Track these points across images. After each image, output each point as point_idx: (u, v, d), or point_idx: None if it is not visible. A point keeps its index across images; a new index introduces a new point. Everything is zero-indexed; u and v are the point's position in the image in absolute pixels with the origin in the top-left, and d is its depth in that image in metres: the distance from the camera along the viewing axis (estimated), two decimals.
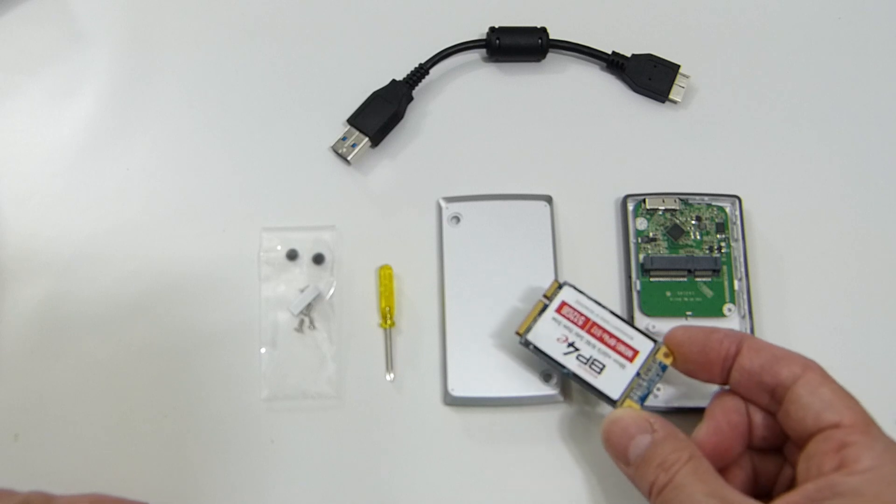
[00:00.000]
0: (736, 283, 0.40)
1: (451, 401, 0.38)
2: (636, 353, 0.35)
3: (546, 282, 0.39)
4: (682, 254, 0.40)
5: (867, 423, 0.30)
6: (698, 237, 0.40)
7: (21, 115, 0.44)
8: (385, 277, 0.40)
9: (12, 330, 0.39)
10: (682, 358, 0.35)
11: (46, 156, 0.43)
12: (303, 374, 0.39)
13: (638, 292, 0.40)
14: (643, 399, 0.35)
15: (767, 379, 0.32)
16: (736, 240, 0.40)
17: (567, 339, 0.35)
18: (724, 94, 0.44)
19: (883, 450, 0.28)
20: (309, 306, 0.40)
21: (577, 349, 0.35)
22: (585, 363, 0.35)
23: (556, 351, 0.35)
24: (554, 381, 0.38)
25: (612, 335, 0.35)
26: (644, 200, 0.41)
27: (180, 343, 0.39)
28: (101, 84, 0.44)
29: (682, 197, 0.41)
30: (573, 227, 0.42)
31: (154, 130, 0.43)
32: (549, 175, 0.42)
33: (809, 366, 0.32)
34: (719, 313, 0.39)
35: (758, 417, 0.33)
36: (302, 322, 0.39)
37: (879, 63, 0.45)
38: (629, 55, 0.44)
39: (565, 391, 0.38)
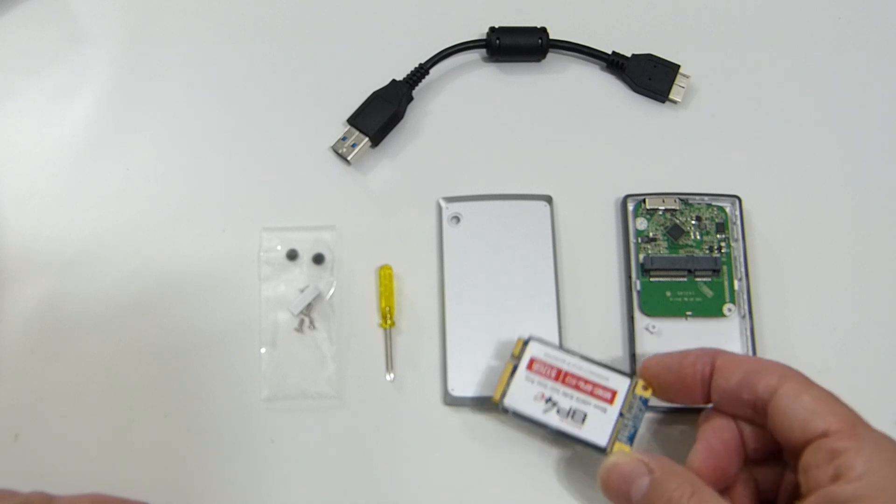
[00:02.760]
0: (736, 283, 0.40)
1: (451, 401, 0.38)
2: (614, 393, 0.35)
3: (546, 282, 0.39)
4: (682, 254, 0.40)
5: (853, 426, 0.29)
6: (698, 237, 0.40)
7: (21, 115, 0.44)
8: (385, 277, 0.40)
9: (12, 330, 0.39)
10: (659, 388, 0.35)
11: (46, 156, 0.43)
12: (303, 374, 0.39)
13: (638, 292, 0.40)
14: (632, 438, 0.34)
15: (746, 395, 0.32)
16: (736, 240, 0.40)
17: (544, 395, 0.35)
18: (724, 94, 0.44)
19: (873, 451, 0.28)
20: (309, 306, 0.40)
21: (555, 403, 0.35)
22: (567, 416, 0.34)
23: (536, 410, 0.35)
24: None
25: (587, 381, 0.35)
26: (644, 200, 0.41)
27: (180, 343, 0.39)
28: (101, 84, 0.44)
29: (682, 197, 0.41)
30: (573, 227, 0.42)
31: (154, 130, 0.43)
32: (549, 175, 0.42)
33: (786, 375, 0.31)
34: (719, 313, 0.39)
35: (748, 431, 0.33)
36: (302, 322, 0.39)
37: (879, 63, 0.45)
38: (629, 55, 0.44)
39: None
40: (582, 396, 0.35)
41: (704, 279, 0.40)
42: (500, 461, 0.38)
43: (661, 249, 0.40)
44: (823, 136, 0.44)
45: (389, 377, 0.39)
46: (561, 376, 0.35)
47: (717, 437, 0.33)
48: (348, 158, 0.42)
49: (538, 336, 0.36)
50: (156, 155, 0.43)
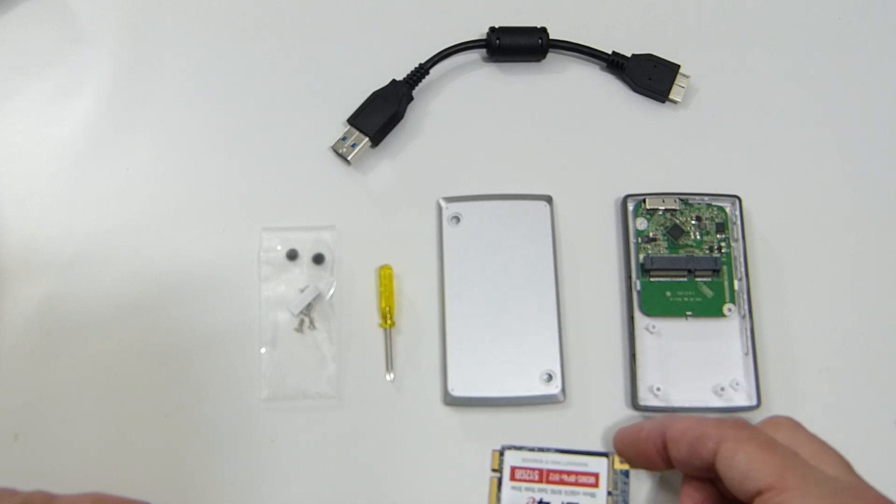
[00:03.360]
0: (736, 283, 0.40)
1: (451, 401, 0.38)
2: (597, 476, 0.36)
3: (546, 282, 0.39)
4: (682, 254, 0.40)
5: (782, 478, 0.29)
6: (698, 237, 0.40)
7: (21, 115, 0.44)
8: (385, 277, 0.40)
9: (12, 330, 0.39)
10: (629, 461, 0.35)
11: (46, 156, 0.43)
12: (303, 374, 0.39)
13: (638, 292, 0.40)
14: None
15: (696, 462, 0.31)
16: (736, 240, 0.40)
17: (534, 499, 0.36)
18: (724, 94, 0.44)
19: (803, 497, 0.28)
20: (309, 306, 0.40)
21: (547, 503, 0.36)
22: None
23: None
24: (554, 381, 0.38)
25: (569, 473, 0.36)
26: (644, 200, 0.41)
27: (180, 343, 0.39)
28: (101, 84, 0.44)
29: (682, 197, 0.41)
30: (573, 227, 0.42)
31: (154, 130, 0.43)
32: (549, 175, 0.42)
33: (722, 436, 0.31)
34: (719, 313, 0.39)
35: (724, 487, 0.32)
36: (302, 322, 0.39)
37: (879, 63, 0.45)
38: (629, 55, 0.44)
39: (565, 391, 0.38)
40: (569, 489, 0.36)
41: (704, 279, 0.40)
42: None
43: (661, 249, 0.40)
44: (823, 136, 0.44)
45: (389, 377, 0.39)
46: (543, 476, 0.36)
47: (700, 496, 0.33)
48: (348, 158, 0.42)
49: (510, 444, 0.37)
50: (156, 155, 0.43)
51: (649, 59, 0.44)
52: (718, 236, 0.40)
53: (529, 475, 0.36)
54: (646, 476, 0.37)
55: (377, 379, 0.39)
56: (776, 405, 0.38)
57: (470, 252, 0.40)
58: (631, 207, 0.41)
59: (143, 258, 0.41)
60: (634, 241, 0.40)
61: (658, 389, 0.38)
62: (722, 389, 0.38)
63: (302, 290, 0.40)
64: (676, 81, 0.44)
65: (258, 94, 0.44)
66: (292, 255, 0.40)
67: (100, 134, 0.43)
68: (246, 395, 0.38)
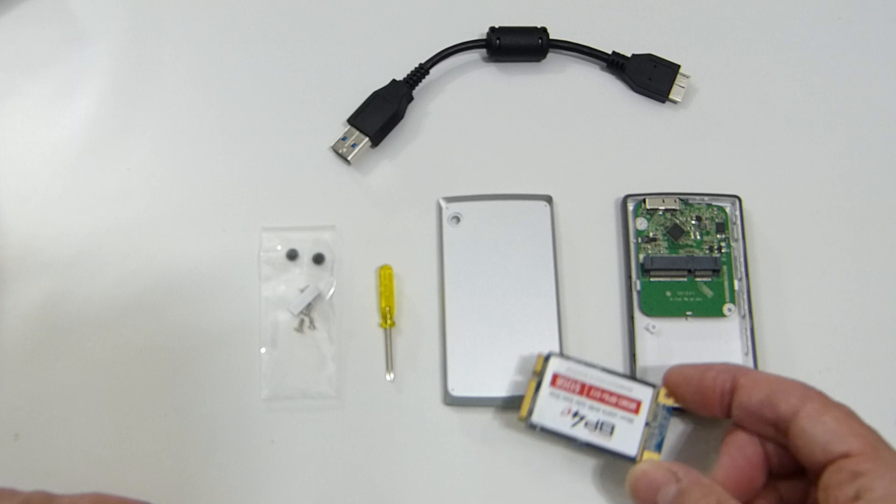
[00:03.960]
0: (736, 283, 0.40)
1: (451, 401, 0.38)
2: (639, 403, 0.35)
3: (546, 282, 0.39)
4: (682, 254, 0.40)
5: (876, 448, 0.29)
6: (698, 237, 0.40)
7: (21, 115, 0.44)
8: (385, 277, 0.40)
9: (12, 330, 0.39)
10: (680, 399, 0.35)
11: (46, 156, 0.43)
12: (303, 374, 0.39)
13: (638, 292, 0.40)
14: (660, 445, 0.35)
15: (768, 414, 0.32)
16: (736, 240, 0.40)
17: (570, 409, 0.35)
18: (724, 94, 0.44)
19: (895, 475, 0.28)
20: (309, 306, 0.40)
21: (582, 417, 0.35)
22: (595, 429, 0.35)
23: (564, 425, 0.35)
24: None
25: (611, 393, 0.35)
26: (644, 200, 0.41)
27: (180, 343, 0.39)
28: (102, 84, 0.44)
29: (682, 197, 0.41)
30: (573, 227, 0.42)
31: (154, 130, 0.43)
32: (549, 175, 0.42)
33: (808, 395, 0.31)
34: (719, 313, 0.39)
35: (771, 448, 0.33)
36: (302, 322, 0.39)
37: (879, 63, 0.45)
38: (629, 55, 0.44)
39: None
40: (608, 409, 0.35)
41: (704, 279, 0.40)
42: (500, 461, 0.38)
43: (661, 249, 0.40)
44: (823, 135, 0.44)
45: (389, 377, 0.39)
46: (585, 390, 0.35)
47: (740, 453, 0.33)
48: (348, 158, 0.42)
49: (557, 351, 0.37)
50: (156, 155, 0.43)
51: (649, 59, 0.44)
52: (718, 236, 0.40)
53: (571, 385, 0.35)
54: (679, 422, 0.37)
55: (377, 379, 0.39)
56: None
57: (470, 252, 0.40)
58: (631, 207, 0.41)
59: (143, 258, 0.41)
60: (634, 241, 0.40)
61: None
62: None
63: (302, 290, 0.40)
64: (676, 81, 0.44)
65: (258, 93, 0.44)
66: (292, 255, 0.40)
67: (100, 134, 0.43)
68: (246, 395, 0.38)
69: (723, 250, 0.40)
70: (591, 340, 0.40)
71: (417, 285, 0.40)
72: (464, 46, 0.44)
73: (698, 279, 0.40)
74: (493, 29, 0.44)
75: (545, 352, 0.37)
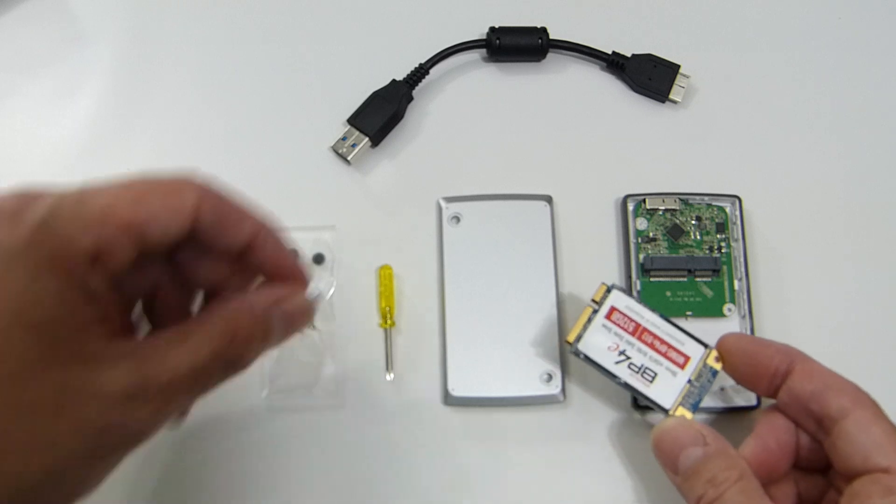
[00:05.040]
0: (736, 283, 0.40)
1: (451, 401, 0.38)
2: (687, 359, 0.35)
3: (546, 282, 0.39)
4: (682, 254, 0.40)
5: None
6: (698, 237, 0.40)
7: (21, 115, 0.44)
8: (385, 277, 0.40)
9: None
10: (730, 366, 0.35)
11: (46, 156, 0.43)
12: (303, 374, 0.39)
13: (638, 292, 0.40)
14: (696, 406, 0.34)
15: (815, 407, 0.31)
16: (736, 240, 0.40)
17: (618, 346, 0.35)
18: (724, 94, 0.44)
19: None
20: None
21: (628, 357, 0.35)
22: (637, 372, 0.35)
23: (608, 360, 0.35)
24: (554, 381, 0.38)
25: (662, 341, 0.35)
26: (644, 200, 0.41)
27: None
28: (102, 84, 0.44)
29: (682, 197, 0.41)
30: (573, 227, 0.42)
31: (154, 130, 0.43)
32: (549, 175, 0.42)
33: (861, 400, 0.31)
34: (719, 313, 0.39)
35: (805, 440, 0.33)
36: None
37: (879, 63, 0.45)
38: (629, 55, 0.44)
39: (565, 391, 0.38)
40: (655, 356, 0.35)
41: (704, 279, 0.40)
42: (501, 461, 0.38)
43: (661, 249, 0.40)
44: (823, 135, 0.44)
45: (389, 377, 0.39)
46: (638, 332, 0.35)
47: (773, 436, 0.33)
48: (348, 158, 0.42)
49: (621, 286, 0.36)
50: (156, 155, 0.43)
51: (649, 59, 0.44)
52: (718, 236, 0.40)
53: (625, 323, 0.35)
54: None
55: (377, 379, 0.39)
56: None
57: (470, 252, 0.40)
58: (631, 207, 0.41)
59: None
60: (634, 241, 0.40)
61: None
62: (722, 389, 0.38)
63: None
64: (676, 81, 0.44)
65: (258, 93, 0.44)
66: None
67: (100, 134, 0.43)
68: (246, 395, 0.38)
69: (723, 250, 0.40)
70: None
71: (417, 285, 0.40)
72: (464, 46, 0.44)
73: (698, 279, 0.40)
74: (493, 29, 0.44)
75: (609, 282, 0.36)
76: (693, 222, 0.41)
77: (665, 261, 0.40)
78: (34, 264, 0.23)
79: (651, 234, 0.41)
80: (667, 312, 0.39)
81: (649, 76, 0.44)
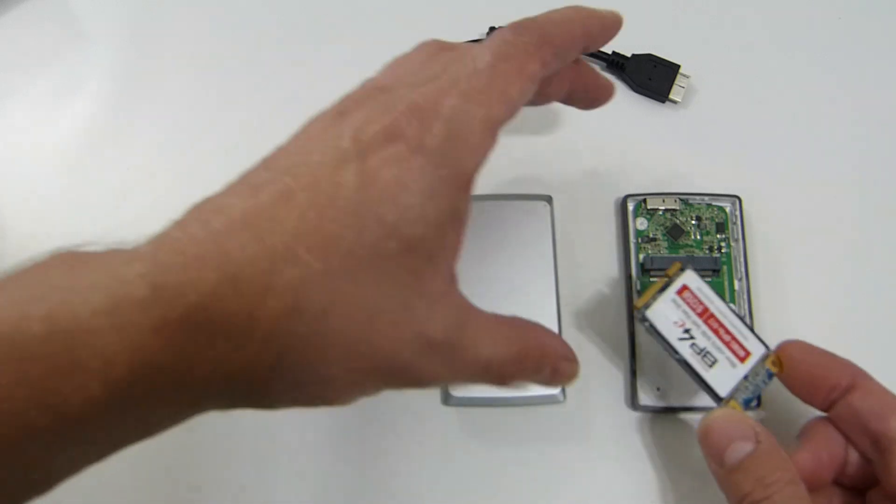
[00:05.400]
0: (736, 282, 0.40)
1: (451, 401, 0.38)
2: (748, 354, 0.34)
3: (546, 282, 0.39)
4: (682, 254, 0.40)
5: None
6: (698, 237, 0.40)
7: (21, 115, 0.44)
8: None
9: None
10: (789, 372, 0.34)
11: (46, 156, 0.43)
12: None
13: (638, 292, 0.40)
14: (747, 402, 0.34)
15: (874, 426, 0.31)
16: (736, 240, 0.40)
17: (684, 324, 0.34)
18: (724, 94, 0.44)
19: None
20: None
21: (692, 337, 0.34)
22: (698, 353, 0.34)
23: (672, 334, 0.34)
24: None
25: (727, 330, 0.34)
26: (644, 200, 0.41)
27: None
28: (102, 84, 0.44)
29: (682, 197, 0.41)
30: (573, 227, 0.42)
31: (154, 130, 0.43)
32: (549, 175, 0.42)
33: None
34: None
35: (854, 456, 0.33)
36: None
37: (880, 63, 0.45)
38: (629, 55, 0.44)
39: (565, 391, 0.38)
40: (718, 343, 0.34)
41: (705, 279, 0.39)
42: (501, 461, 0.38)
43: (661, 249, 0.40)
44: (823, 136, 0.44)
45: None
46: (706, 315, 0.35)
47: (825, 447, 0.33)
48: None
49: (695, 269, 0.36)
50: (156, 155, 0.43)
51: (649, 59, 0.44)
52: (718, 236, 0.40)
53: (694, 304, 0.35)
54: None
55: None
56: (777, 406, 0.38)
57: (469, 252, 0.40)
58: (631, 207, 0.41)
59: None
60: (634, 241, 0.40)
61: (658, 389, 0.38)
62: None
63: None
64: (676, 81, 0.44)
65: (258, 93, 0.44)
66: None
67: (100, 134, 0.43)
68: None
69: (723, 250, 0.40)
70: (590, 340, 0.40)
71: None
72: None
73: None
74: (492, 29, 0.44)
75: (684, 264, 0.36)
76: (693, 222, 0.41)
77: (665, 261, 0.40)
78: (430, 183, 0.24)
79: (651, 234, 0.41)
80: None
81: (649, 76, 0.44)
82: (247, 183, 0.25)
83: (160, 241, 0.24)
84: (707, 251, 0.40)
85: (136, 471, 0.37)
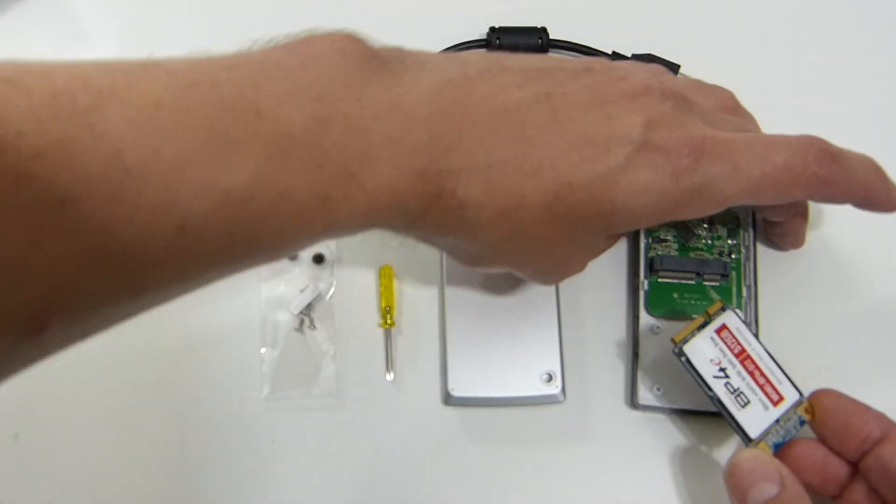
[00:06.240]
0: (744, 289, 0.39)
1: (451, 401, 0.38)
2: (781, 399, 0.34)
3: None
4: (692, 256, 0.40)
5: None
6: (709, 242, 0.40)
7: None
8: (385, 277, 0.40)
9: None
10: (821, 421, 0.34)
11: None
12: (303, 374, 0.39)
13: (645, 292, 0.39)
14: (777, 447, 0.34)
15: None
16: (746, 246, 0.40)
17: (720, 362, 0.35)
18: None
19: None
20: (309, 306, 0.40)
21: (727, 376, 0.34)
22: (732, 393, 0.34)
23: (707, 371, 0.34)
24: (554, 381, 0.38)
25: (762, 373, 0.35)
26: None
27: (180, 343, 0.39)
28: None
29: None
30: None
31: None
32: None
33: None
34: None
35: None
36: (302, 322, 0.39)
37: (880, 63, 0.45)
38: (629, 55, 0.44)
39: (565, 391, 0.38)
40: (752, 385, 0.34)
41: (713, 283, 0.39)
42: (501, 461, 0.38)
43: (671, 251, 0.40)
44: (824, 136, 0.44)
45: (389, 377, 0.39)
46: (742, 356, 0.35)
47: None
48: None
49: (736, 309, 0.36)
50: None
51: (649, 59, 0.44)
52: (730, 241, 0.40)
53: (732, 344, 0.35)
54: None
55: (377, 379, 0.39)
56: None
57: None
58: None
59: None
60: (645, 241, 0.40)
61: (658, 389, 0.38)
62: None
63: (302, 290, 0.40)
64: None
65: None
66: (293, 256, 0.40)
67: None
68: (246, 395, 0.38)
69: (732, 255, 0.40)
70: (591, 340, 0.40)
71: (417, 285, 0.40)
72: (464, 46, 0.44)
73: (706, 283, 0.39)
74: (493, 29, 0.44)
75: (727, 303, 0.36)
76: (704, 226, 0.40)
77: (674, 261, 0.39)
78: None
79: (661, 236, 0.40)
80: (673, 314, 0.39)
81: None
82: None
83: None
84: (717, 255, 0.40)
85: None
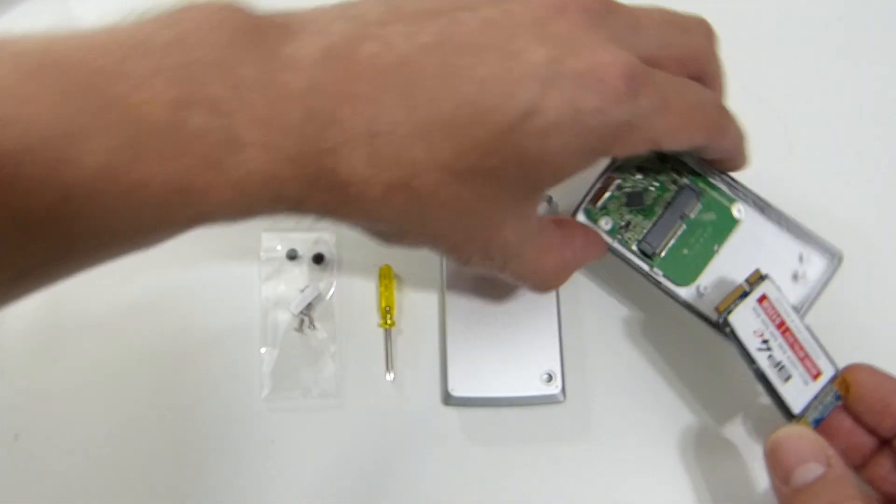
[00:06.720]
0: (723, 186, 0.37)
1: (451, 401, 0.38)
2: (819, 373, 0.33)
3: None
4: (659, 211, 0.37)
5: None
6: (656, 183, 0.37)
7: None
8: (385, 277, 0.40)
9: (12, 330, 0.39)
10: (857, 397, 0.33)
11: None
12: (303, 374, 0.39)
13: (665, 276, 0.36)
14: (817, 423, 0.33)
15: None
16: (685, 160, 0.37)
17: (763, 334, 0.33)
18: (724, 94, 0.44)
19: None
20: (309, 306, 0.40)
21: (770, 349, 0.33)
22: (775, 367, 0.33)
23: (752, 343, 0.33)
24: (554, 381, 0.38)
25: (801, 346, 0.33)
26: (594, 202, 0.38)
27: (180, 343, 0.39)
28: None
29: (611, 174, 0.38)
30: None
31: None
32: None
33: None
34: (733, 221, 0.36)
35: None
36: (302, 322, 0.39)
37: (880, 63, 0.45)
38: None
39: (565, 391, 0.38)
40: (793, 357, 0.33)
41: (697, 211, 0.37)
42: (501, 461, 0.38)
43: (643, 226, 0.37)
44: (824, 136, 0.44)
45: (389, 377, 0.39)
46: (783, 328, 0.33)
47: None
48: None
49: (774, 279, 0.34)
50: None
51: None
52: (669, 167, 0.37)
53: (773, 315, 0.33)
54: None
55: (377, 379, 0.39)
56: None
57: None
58: (583, 218, 0.38)
59: (143, 258, 0.41)
60: (616, 242, 0.37)
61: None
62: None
63: (302, 291, 0.40)
64: None
65: None
66: (292, 256, 0.40)
67: None
68: (246, 395, 0.38)
69: (682, 176, 0.37)
70: (591, 340, 0.40)
71: (417, 285, 0.40)
72: None
73: (692, 217, 0.37)
74: None
75: (764, 271, 0.34)
76: (638, 176, 0.37)
77: (658, 231, 0.37)
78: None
79: (619, 223, 0.37)
80: (700, 266, 0.36)
81: None
82: None
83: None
84: (674, 186, 0.37)
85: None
